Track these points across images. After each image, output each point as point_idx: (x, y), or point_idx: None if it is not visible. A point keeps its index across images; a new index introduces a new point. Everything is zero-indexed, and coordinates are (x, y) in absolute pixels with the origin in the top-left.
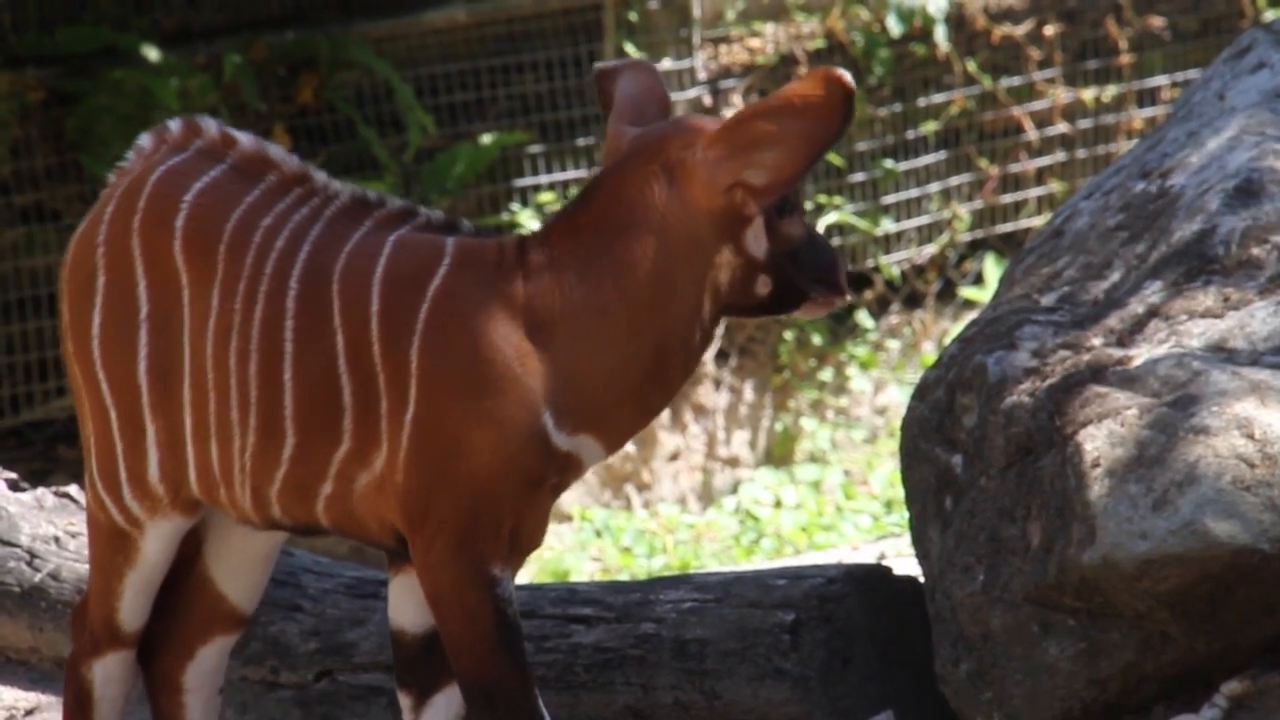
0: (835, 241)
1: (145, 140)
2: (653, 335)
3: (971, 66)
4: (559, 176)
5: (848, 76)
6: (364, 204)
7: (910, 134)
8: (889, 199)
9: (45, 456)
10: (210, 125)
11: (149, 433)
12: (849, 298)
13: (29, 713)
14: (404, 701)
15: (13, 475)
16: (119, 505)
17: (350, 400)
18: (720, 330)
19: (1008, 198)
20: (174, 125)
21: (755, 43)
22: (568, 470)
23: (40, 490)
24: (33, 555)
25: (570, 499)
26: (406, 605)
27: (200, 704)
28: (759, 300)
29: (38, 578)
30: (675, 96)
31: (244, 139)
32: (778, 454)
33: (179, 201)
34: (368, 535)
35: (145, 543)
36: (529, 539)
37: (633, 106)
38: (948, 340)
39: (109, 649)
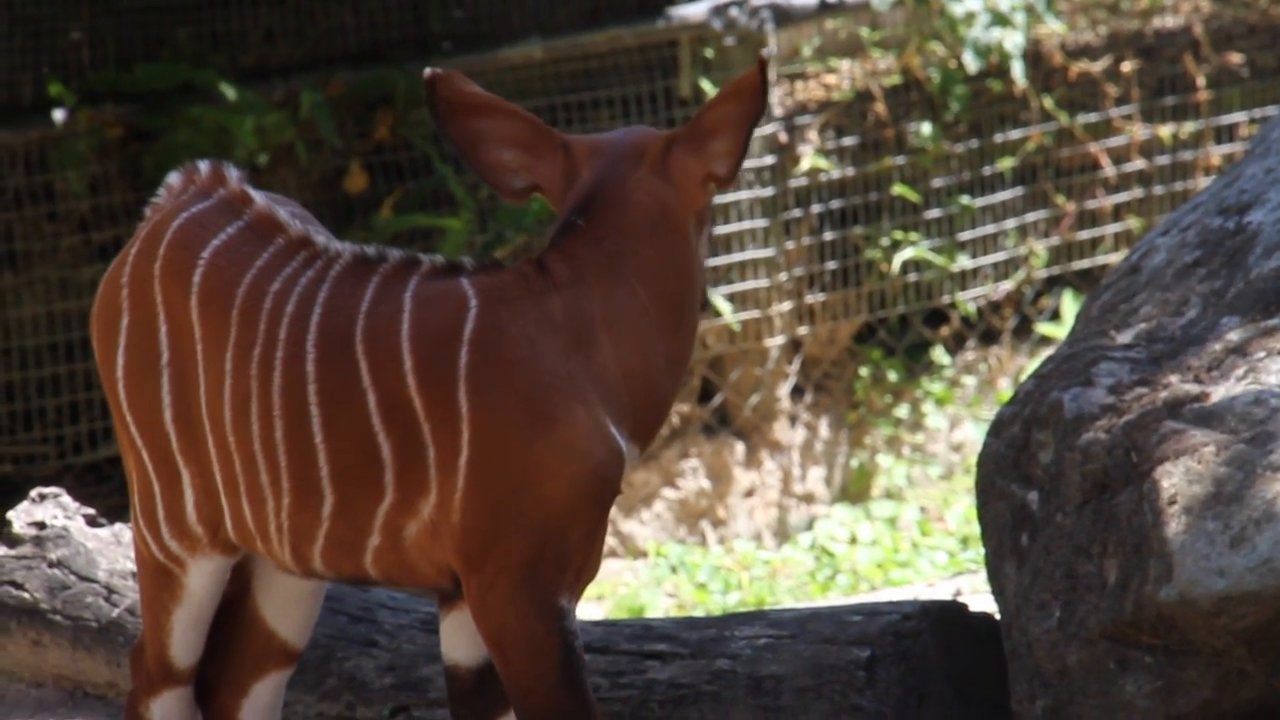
0: (911, 278)
1: (174, 179)
2: (685, 332)
3: (1048, 103)
4: None
5: (764, 54)
6: (365, 261)
7: (987, 170)
8: (965, 235)
9: (122, 492)
10: (233, 175)
11: (183, 476)
12: None
13: None
14: None
15: (90, 511)
16: (159, 544)
17: (391, 455)
18: (796, 366)
19: (1084, 234)
20: (203, 167)
21: (831, 79)
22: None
23: (117, 525)
24: (110, 590)
25: (645, 535)
26: (460, 641)
27: None
28: None
29: (115, 613)
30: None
31: (258, 198)
32: (853, 490)
33: (197, 256)
34: (422, 581)
35: (189, 580)
36: (593, 567)
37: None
38: (1024, 377)
39: (164, 687)
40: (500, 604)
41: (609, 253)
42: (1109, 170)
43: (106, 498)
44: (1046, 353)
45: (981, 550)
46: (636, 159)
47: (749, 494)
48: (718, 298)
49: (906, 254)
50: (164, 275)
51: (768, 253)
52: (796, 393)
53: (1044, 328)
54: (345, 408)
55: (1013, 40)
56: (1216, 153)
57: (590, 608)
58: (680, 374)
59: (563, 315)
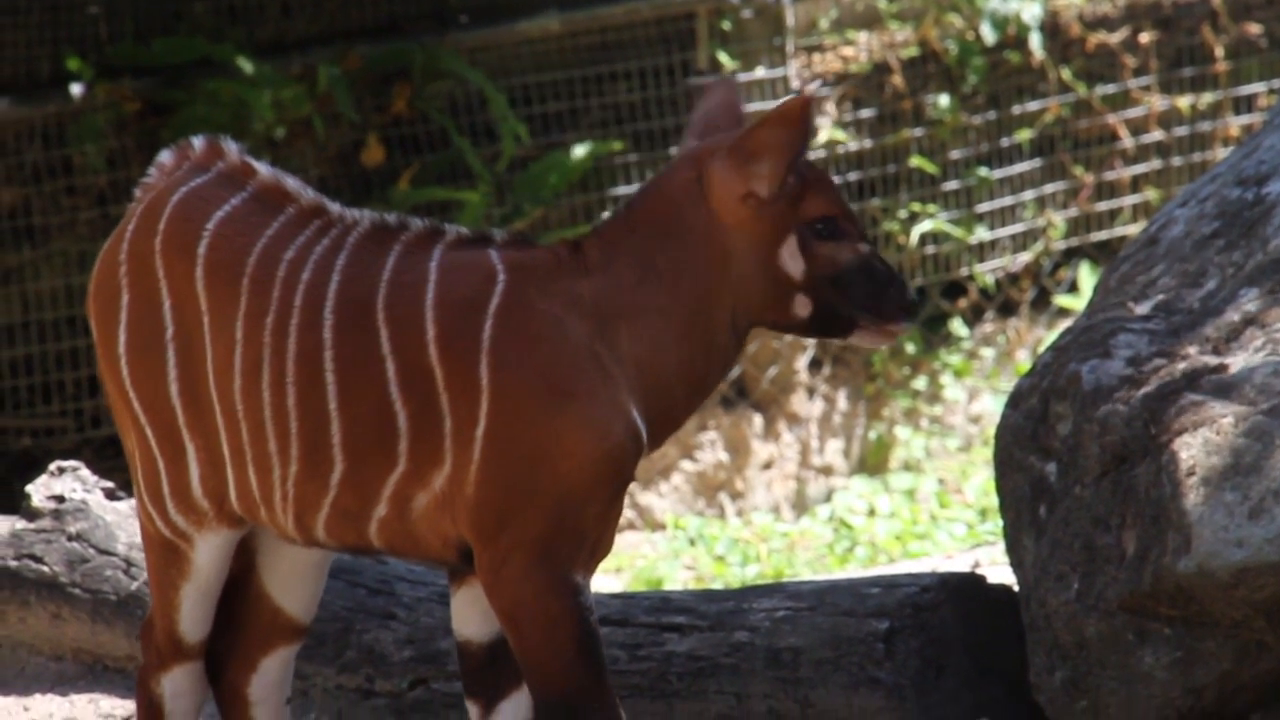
0: (929, 250)
1: (166, 157)
2: (701, 339)
3: (1066, 74)
4: None
5: (808, 91)
6: (386, 229)
7: (1004, 142)
8: (983, 207)
9: None
10: (232, 149)
11: (188, 449)
12: (904, 329)
13: None
14: (472, 711)
15: (109, 484)
16: (165, 519)
17: (406, 424)
18: (814, 339)
19: (1103, 205)
20: (197, 143)
21: (849, 51)
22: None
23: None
24: (129, 563)
25: (664, 507)
26: (471, 616)
27: (268, 715)
28: (800, 320)
29: (134, 586)
30: (769, 105)
31: (262, 169)
32: (872, 462)
33: (200, 228)
34: (426, 553)
35: (196, 555)
36: (607, 544)
37: (704, 121)
38: (1042, 348)
39: (174, 662)
40: (515, 579)
41: (640, 245)
42: (1127, 142)
43: (125, 471)
44: (1065, 324)
45: (1000, 522)
46: (693, 164)
47: (767, 466)
48: None
49: (924, 226)
50: (165, 249)
51: None
52: (814, 365)
53: (1062, 299)
54: (362, 375)
55: (1030, 11)
56: (1235, 123)
57: (608, 580)
58: (695, 384)
59: (590, 298)
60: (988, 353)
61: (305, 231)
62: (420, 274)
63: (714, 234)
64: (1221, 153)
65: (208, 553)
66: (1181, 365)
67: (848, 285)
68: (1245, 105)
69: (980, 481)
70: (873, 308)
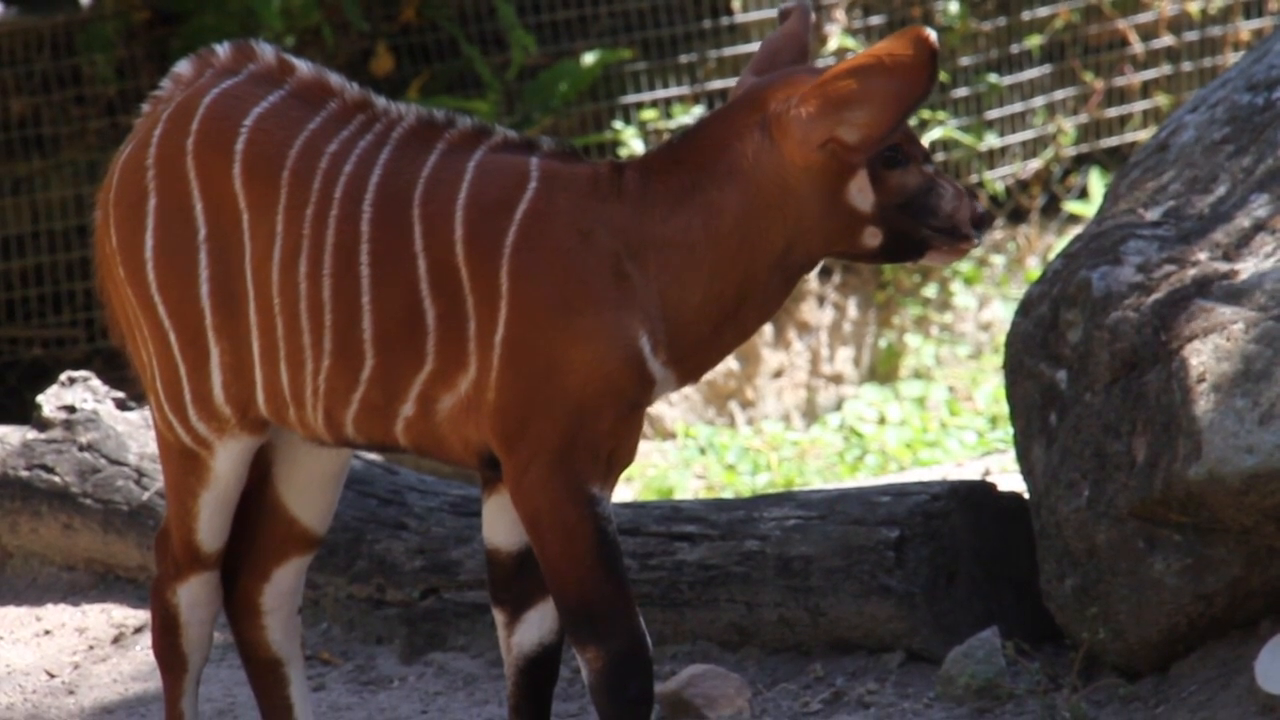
0: (939, 157)
1: (184, 67)
2: (735, 279)
3: None
4: (661, 94)
5: (933, 36)
6: (432, 125)
7: (1014, 48)
8: (993, 114)
9: None
10: (266, 50)
11: (212, 354)
12: (976, 243)
13: (138, 630)
14: (499, 618)
15: (120, 395)
16: (186, 427)
17: (434, 323)
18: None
19: (1113, 111)
20: (222, 50)
21: None
22: (649, 398)
23: (148, 409)
24: (140, 474)
25: (674, 416)
26: (501, 524)
27: (280, 624)
28: (871, 250)
29: (146, 496)
30: (773, 15)
31: (302, 65)
32: (882, 370)
33: (238, 125)
34: (448, 454)
35: (216, 463)
36: (624, 459)
37: (768, 54)
38: (1052, 255)
39: (191, 572)
40: (534, 488)
41: (680, 180)
42: (1137, 47)
43: (136, 382)
44: (1075, 231)
45: (1010, 430)
46: (756, 105)
47: (777, 375)
48: None
49: (934, 133)
50: (199, 150)
51: None
52: (824, 273)
53: (1072, 206)
54: (395, 270)
55: None
56: (1245, 28)
57: (619, 489)
58: (724, 321)
59: (620, 223)
60: (998, 260)
61: (349, 126)
62: (457, 173)
63: (775, 178)
64: (1232, 57)
65: (228, 461)
66: (1192, 271)
67: (918, 210)
68: (1256, 9)
69: (990, 389)
70: (945, 228)
